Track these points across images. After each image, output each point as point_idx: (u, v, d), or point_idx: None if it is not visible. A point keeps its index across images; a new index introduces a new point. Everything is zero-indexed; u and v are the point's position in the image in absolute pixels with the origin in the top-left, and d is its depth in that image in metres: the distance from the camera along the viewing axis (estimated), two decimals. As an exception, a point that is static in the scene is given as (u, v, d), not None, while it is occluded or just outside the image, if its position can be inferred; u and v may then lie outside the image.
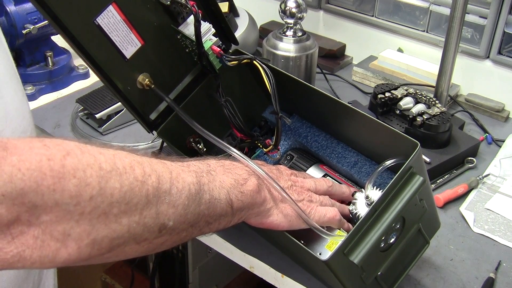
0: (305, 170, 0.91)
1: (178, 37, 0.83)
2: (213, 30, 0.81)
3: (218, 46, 0.81)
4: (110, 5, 0.74)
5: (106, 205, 0.50)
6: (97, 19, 0.73)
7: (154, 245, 0.57)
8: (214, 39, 0.81)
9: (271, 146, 0.85)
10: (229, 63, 0.81)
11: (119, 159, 0.53)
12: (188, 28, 0.81)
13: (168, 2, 0.78)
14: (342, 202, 0.85)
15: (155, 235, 0.56)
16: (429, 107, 1.19)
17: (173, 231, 0.58)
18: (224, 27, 0.87)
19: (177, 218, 0.58)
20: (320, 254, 0.79)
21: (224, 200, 0.65)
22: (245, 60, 0.80)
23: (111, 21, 0.74)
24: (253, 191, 0.69)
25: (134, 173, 0.53)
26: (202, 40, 0.79)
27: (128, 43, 0.77)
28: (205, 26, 0.80)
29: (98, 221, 0.50)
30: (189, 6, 0.76)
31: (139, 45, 0.79)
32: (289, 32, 1.31)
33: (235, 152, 0.73)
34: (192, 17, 0.78)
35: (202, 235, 0.65)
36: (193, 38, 0.79)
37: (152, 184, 0.55)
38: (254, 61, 0.79)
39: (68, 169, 0.47)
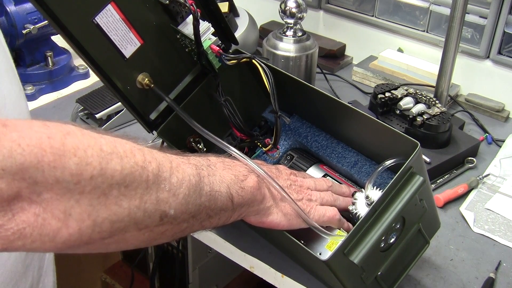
0: (305, 170, 0.91)
1: (178, 36, 0.83)
2: (212, 29, 0.81)
3: (218, 46, 0.81)
4: (109, 4, 0.73)
5: (106, 186, 0.50)
6: (95, 18, 0.73)
7: (155, 234, 0.57)
8: (213, 38, 0.81)
9: (270, 145, 0.85)
10: (228, 62, 0.81)
11: (120, 144, 0.53)
12: (187, 27, 0.81)
13: (167, 1, 0.78)
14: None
15: (156, 223, 0.56)
16: (429, 107, 1.19)
17: (175, 221, 0.58)
18: (224, 27, 0.86)
19: (178, 207, 0.58)
20: (320, 254, 0.79)
21: (224, 193, 0.65)
22: (244, 59, 0.80)
23: (110, 20, 0.74)
24: (253, 187, 0.69)
25: (135, 158, 0.53)
26: (201, 39, 0.79)
27: (127, 42, 0.77)
28: (204, 25, 0.80)
29: (98, 202, 0.50)
30: (187, 5, 0.76)
31: (139, 44, 0.79)
32: (289, 32, 1.31)
33: (234, 151, 0.73)
34: (191, 16, 0.78)
35: (203, 229, 0.65)
36: (192, 37, 0.79)
37: (152, 171, 0.55)
38: (253, 60, 0.79)
39: (69, 148, 0.47)
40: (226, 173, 0.67)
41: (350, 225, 0.80)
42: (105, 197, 0.50)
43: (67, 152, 0.47)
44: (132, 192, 0.53)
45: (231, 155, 0.73)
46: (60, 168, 0.47)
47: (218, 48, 0.81)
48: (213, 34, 0.81)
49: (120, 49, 0.77)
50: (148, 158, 0.55)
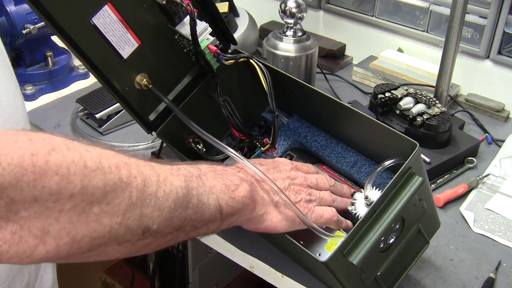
0: (305, 170, 0.91)
1: (176, 37, 0.82)
2: (209, 30, 0.80)
3: (216, 46, 0.81)
4: (106, 5, 0.73)
5: (87, 204, 0.49)
6: (92, 19, 0.73)
7: (137, 247, 0.56)
8: (211, 38, 0.81)
9: (268, 145, 0.85)
10: (226, 62, 0.81)
11: (106, 158, 0.52)
12: (185, 28, 0.81)
13: (164, 2, 0.77)
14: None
15: (138, 237, 0.55)
16: (429, 107, 1.19)
17: (157, 234, 0.57)
18: (222, 27, 0.86)
19: (162, 221, 0.57)
20: (319, 255, 0.79)
21: (213, 205, 0.64)
22: (241, 59, 0.80)
23: (107, 21, 0.74)
24: (244, 197, 0.68)
25: (120, 173, 0.52)
26: (199, 39, 0.79)
27: (124, 43, 0.77)
28: (202, 25, 0.79)
29: (79, 219, 0.49)
30: (184, 5, 0.76)
31: (136, 45, 0.79)
32: (289, 32, 1.31)
33: (232, 152, 0.73)
34: (189, 16, 0.77)
35: (191, 239, 0.64)
36: (190, 37, 0.79)
37: (136, 187, 0.54)
38: (251, 60, 0.78)
39: (51, 165, 0.47)
40: (217, 182, 0.66)
41: (349, 222, 0.80)
42: (85, 214, 0.49)
43: (49, 170, 0.46)
44: (115, 209, 0.52)
45: (229, 156, 0.72)
46: (39, 188, 0.46)
47: (216, 48, 0.81)
48: (211, 34, 0.81)
49: (118, 50, 0.77)
50: (134, 173, 0.54)
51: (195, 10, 0.76)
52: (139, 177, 0.55)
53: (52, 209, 0.47)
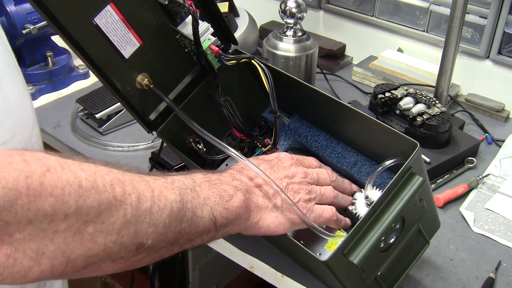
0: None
1: (177, 37, 0.83)
2: (211, 30, 0.81)
3: (217, 46, 0.81)
4: (108, 5, 0.73)
5: (81, 224, 0.49)
6: (95, 19, 0.73)
7: (131, 262, 0.56)
8: (213, 38, 0.81)
9: (269, 145, 0.85)
10: (227, 63, 0.81)
11: (100, 177, 0.52)
12: (187, 28, 0.81)
13: (166, 2, 0.78)
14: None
15: (132, 254, 0.55)
16: (429, 107, 1.19)
17: (151, 249, 0.57)
18: (224, 27, 0.86)
19: (156, 236, 0.57)
20: (319, 254, 0.79)
21: (207, 217, 0.64)
22: (243, 60, 0.80)
23: (109, 21, 0.74)
24: (239, 207, 0.68)
25: (114, 191, 0.52)
26: (200, 39, 0.79)
27: (126, 43, 0.77)
28: (203, 25, 0.80)
29: (73, 239, 0.49)
30: (186, 5, 0.76)
31: (138, 45, 0.79)
32: (289, 32, 1.31)
33: (233, 152, 0.72)
34: (190, 16, 0.78)
35: (184, 250, 0.64)
36: (192, 37, 0.79)
37: (131, 204, 0.54)
38: (253, 60, 0.78)
39: (46, 187, 0.47)
40: (211, 193, 0.66)
41: (348, 220, 0.80)
42: (80, 234, 0.49)
43: (44, 192, 0.46)
44: (109, 228, 0.52)
45: (230, 156, 0.72)
46: (34, 210, 0.46)
47: (217, 48, 0.81)
48: (213, 34, 0.81)
49: (120, 49, 0.77)
50: (128, 190, 0.54)
51: (197, 10, 0.76)
52: (134, 194, 0.54)
53: (47, 231, 0.47)
